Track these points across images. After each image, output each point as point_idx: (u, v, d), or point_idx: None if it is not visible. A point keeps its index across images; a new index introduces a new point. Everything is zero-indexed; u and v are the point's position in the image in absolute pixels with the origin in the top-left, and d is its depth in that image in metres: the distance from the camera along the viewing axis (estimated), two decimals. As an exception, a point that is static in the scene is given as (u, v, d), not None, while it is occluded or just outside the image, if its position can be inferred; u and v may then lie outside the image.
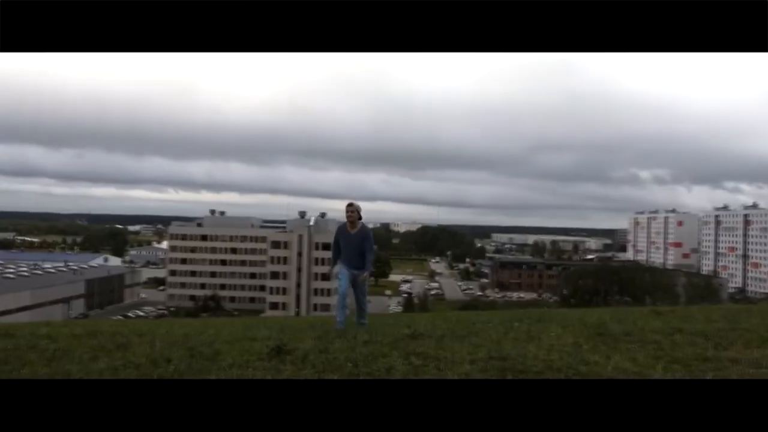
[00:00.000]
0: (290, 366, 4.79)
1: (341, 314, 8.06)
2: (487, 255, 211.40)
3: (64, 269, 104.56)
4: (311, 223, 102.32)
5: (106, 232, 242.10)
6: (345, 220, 8.19)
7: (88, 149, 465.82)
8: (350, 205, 8.10)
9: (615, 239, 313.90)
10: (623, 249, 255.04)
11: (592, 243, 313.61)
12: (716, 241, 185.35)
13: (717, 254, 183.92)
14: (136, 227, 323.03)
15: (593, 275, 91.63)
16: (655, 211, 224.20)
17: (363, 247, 8.06)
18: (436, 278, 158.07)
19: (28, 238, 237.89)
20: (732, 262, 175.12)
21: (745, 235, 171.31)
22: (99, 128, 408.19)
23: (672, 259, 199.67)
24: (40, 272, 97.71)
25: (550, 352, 5.36)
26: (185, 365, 4.89)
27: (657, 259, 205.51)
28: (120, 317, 77.68)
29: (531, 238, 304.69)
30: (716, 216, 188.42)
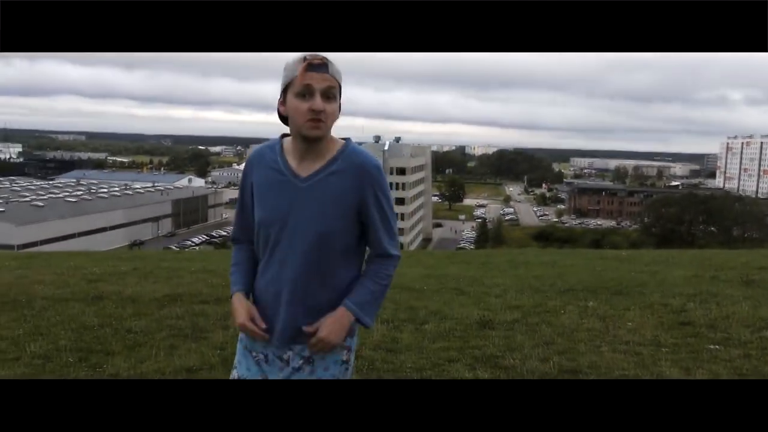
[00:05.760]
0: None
1: None
2: (566, 180, 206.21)
3: (152, 190, 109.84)
4: (386, 147, 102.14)
5: (190, 153, 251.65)
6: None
7: (159, 71, 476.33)
8: (319, 65, 2.09)
9: (703, 165, 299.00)
10: (712, 176, 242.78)
11: (678, 169, 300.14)
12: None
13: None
14: (217, 148, 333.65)
15: (678, 204, 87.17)
16: (750, 136, 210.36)
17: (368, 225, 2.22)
18: (512, 203, 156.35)
19: (119, 159, 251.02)
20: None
21: None
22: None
23: (766, 187, 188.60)
24: (130, 192, 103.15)
25: (627, 355, 5.12)
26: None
27: (750, 187, 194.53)
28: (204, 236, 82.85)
29: (612, 163, 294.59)
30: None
